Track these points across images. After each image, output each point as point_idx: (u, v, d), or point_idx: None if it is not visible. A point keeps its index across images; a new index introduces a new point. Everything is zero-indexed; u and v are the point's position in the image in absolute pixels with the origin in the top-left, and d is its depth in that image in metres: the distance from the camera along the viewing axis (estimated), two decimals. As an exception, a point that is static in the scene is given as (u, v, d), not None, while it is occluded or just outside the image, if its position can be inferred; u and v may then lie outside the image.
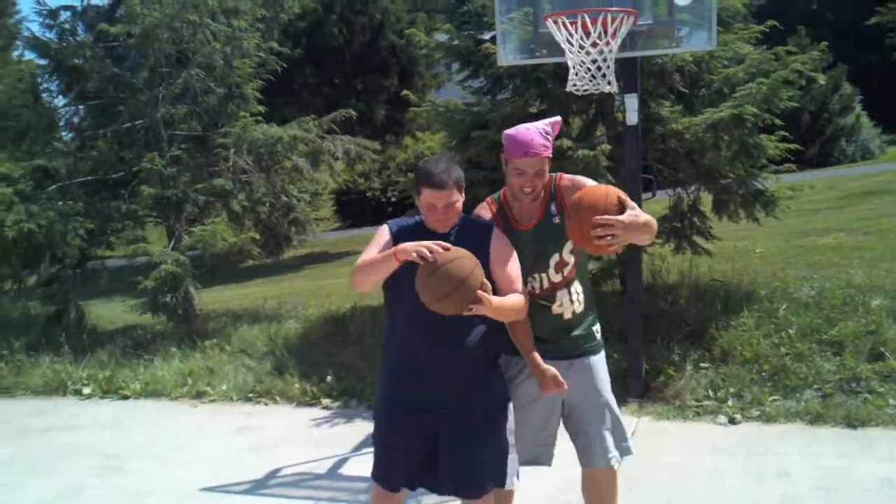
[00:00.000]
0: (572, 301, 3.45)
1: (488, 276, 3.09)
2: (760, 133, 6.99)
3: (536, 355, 3.32)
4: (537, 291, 3.41)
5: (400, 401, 3.34)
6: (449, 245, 3.00)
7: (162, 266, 8.57)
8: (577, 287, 3.47)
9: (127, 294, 9.60)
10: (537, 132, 3.25)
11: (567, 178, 3.43)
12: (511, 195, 3.39)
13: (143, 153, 9.28)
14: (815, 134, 23.06)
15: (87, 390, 7.75)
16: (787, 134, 7.20)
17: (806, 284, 7.26)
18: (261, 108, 10.39)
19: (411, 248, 2.98)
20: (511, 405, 3.44)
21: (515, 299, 3.20)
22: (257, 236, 9.18)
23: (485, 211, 3.42)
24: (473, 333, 3.26)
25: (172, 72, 9.76)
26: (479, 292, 2.93)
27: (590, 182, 3.40)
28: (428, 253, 2.93)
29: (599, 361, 3.56)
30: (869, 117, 25.67)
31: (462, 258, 2.97)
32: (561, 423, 3.59)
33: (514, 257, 3.28)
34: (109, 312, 10.96)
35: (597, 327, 3.59)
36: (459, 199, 3.24)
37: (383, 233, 3.33)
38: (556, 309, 3.43)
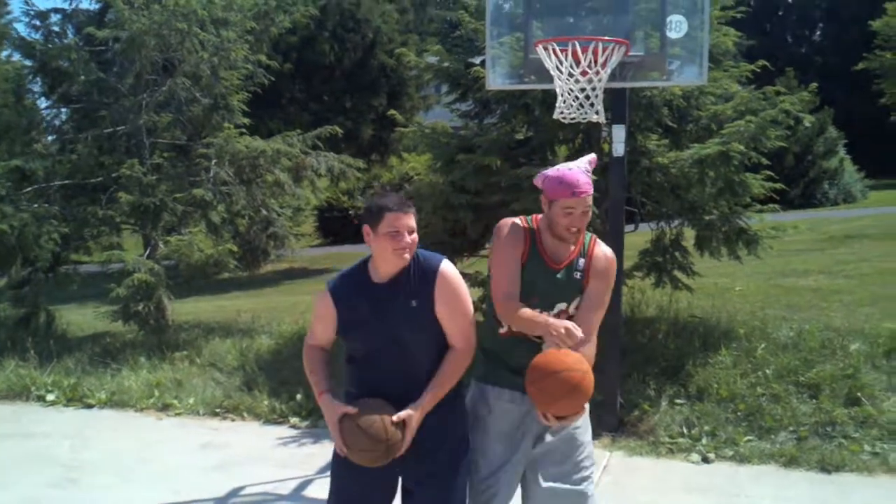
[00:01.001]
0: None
1: (434, 317, 3.08)
2: (746, 171, 6.98)
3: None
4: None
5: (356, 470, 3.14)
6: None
7: (135, 274, 8.44)
8: None
9: (99, 301, 9.45)
10: (581, 171, 3.21)
11: (603, 247, 3.38)
12: (544, 229, 3.31)
13: (124, 159, 9.16)
14: (798, 175, 23.23)
15: (50, 397, 7.58)
16: (772, 174, 7.19)
17: (785, 325, 7.22)
18: (246, 120, 10.31)
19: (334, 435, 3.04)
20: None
21: (449, 369, 3.11)
22: (235, 248, 9.06)
23: (512, 219, 3.35)
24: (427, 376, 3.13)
25: (158, 79, 9.68)
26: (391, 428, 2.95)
27: (609, 252, 3.37)
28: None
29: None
30: (852, 161, 25.93)
31: (374, 425, 2.96)
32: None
33: (466, 301, 3.15)
34: (80, 318, 10.80)
35: None
36: (416, 230, 3.11)
37: (322, 306, 3.19)
38: (544, 348, 3.32)
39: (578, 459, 3.31)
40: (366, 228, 3.08)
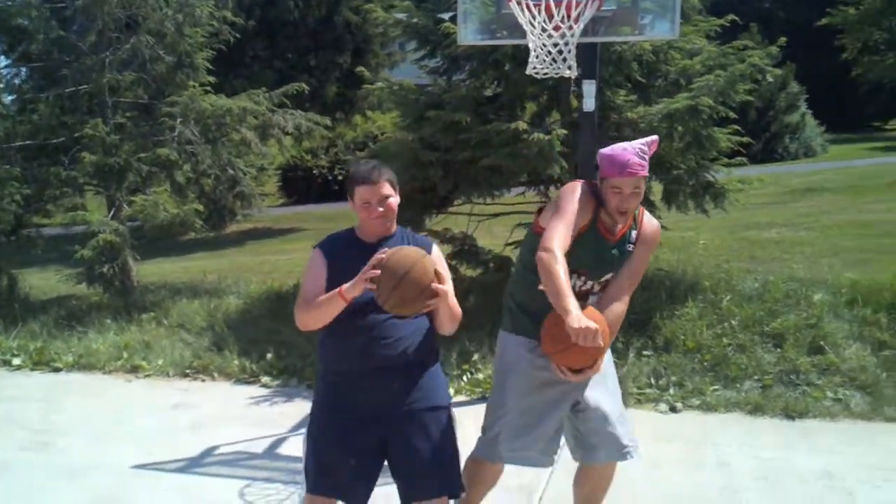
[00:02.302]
0: (592, 303, 3.39)
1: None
2: (714, 126, 7.01)
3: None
4: (575, 290, 3.20)
5: (341, 414, 3.20)
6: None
7: (100, 235, 8.31)
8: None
9: (61, 264, 9.31)
10: (634, 152, 3.21)
11: (650, 217, 3.49)
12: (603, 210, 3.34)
13: (87, 119, 8.97)
14: (760, 130, 23.42)
15: (16, 361, 7.48)
16: (738, 128, 7.23)
17: (749, 277, 7.32)
18: (211, 78, 10.11)
19: (359, 283, 2.98)
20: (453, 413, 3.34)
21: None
22: (201, 208, 8.95)
23: (588, 183, 3.36)
24: (413, 336, 3.17)
25: (121, 37, 9.45)
26: (435, 284, 2.94)
27: (656, 222, 3.49)
28: (376, 273, 2.93)
29: (608, 354, 3.53)
30: (813, 116, 26.17)
31: (403, 250, 2.98)
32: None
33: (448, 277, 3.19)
34: (42, 282, 10.65)
35: None
36: (393, 197, 3.21)
37: (316, 261, 3.24)
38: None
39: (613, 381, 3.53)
40: (349, 198, 3.24)
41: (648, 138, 3.29)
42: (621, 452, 3.45)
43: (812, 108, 26.38)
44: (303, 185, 22.15)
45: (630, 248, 3.38)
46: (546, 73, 5.15)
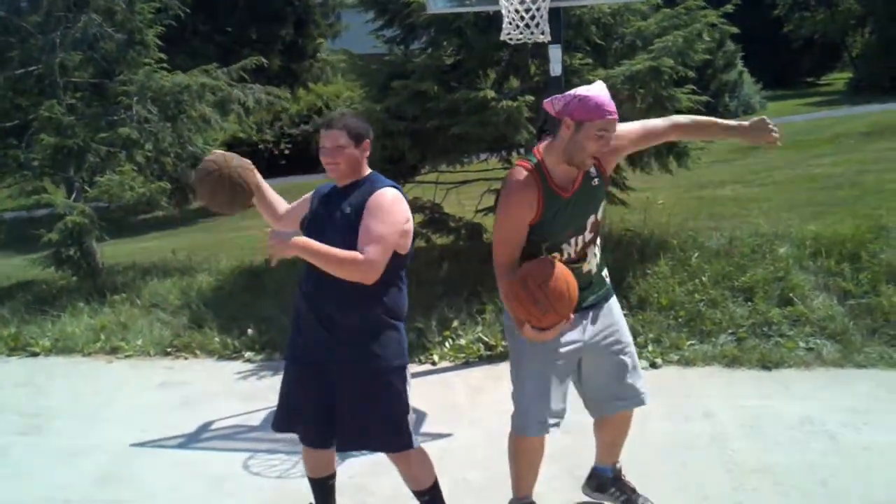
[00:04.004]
0: (595, 255, 3.45)
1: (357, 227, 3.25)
2: (674, 87, 7.17)
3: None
4: (572, 255, 3.33)
5: (297, 353, 3.45)
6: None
7: (67, 218, 8.21)
8: (598, 240, 3.47)
9: (19, 248, 9.16)
10: (607, 93, 3.16)
11: None
12: (552, 159, 3.25)
13: (40, 101, 8.81)
14: (700, 89, 23.68)
15: (-8, 348, 7.43)
16: (695, 88, 7.40)
17: (716, 234, 7.51)
18: (161, 55, 9.97)
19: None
20: (408, 370, 3.44)
21: (348, 253, 3.17)
22: (168, 186, 8.87)
23: (520, 173, 3.24)
24: (356, 290, 3.24)
25: (69, 16, 9.25)
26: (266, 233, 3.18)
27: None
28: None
29: (616, 303, 3.62)
30: (750, 74, 26.62)
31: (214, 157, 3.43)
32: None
33: (385, 221, 3.22)
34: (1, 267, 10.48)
35: (606, 271, 3.60)
36: (349, 147, 3.28)
37: (303, 199, 3.60)
38: (584, 268, 3.41)
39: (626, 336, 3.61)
40: None
41: (599, 82, 3.23)
42: (637, 397, 3.59)
43: (748, 65, 26.81)
44: (249, 160, 21.72)
45: (597, 183, 3.33)
46: (520, 39, 5.25)
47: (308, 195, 3.55)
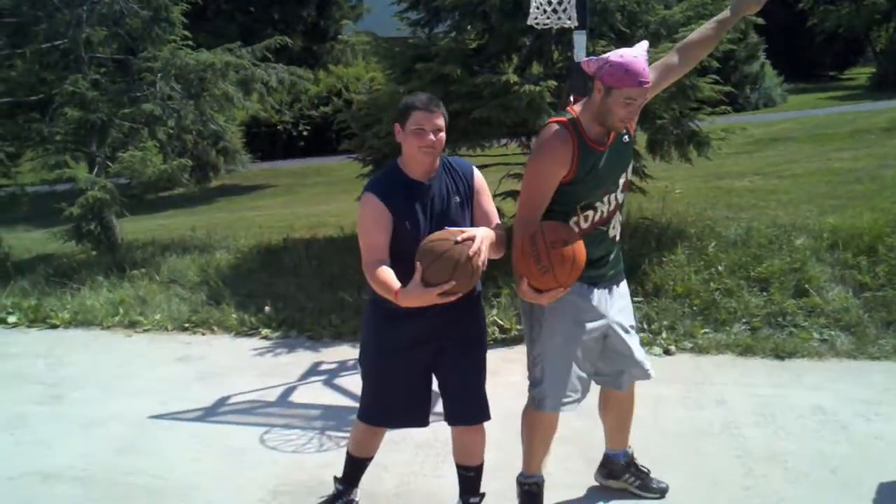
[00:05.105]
0: (619, 221, 3.47)
1: (471, 213, 3.27)
2: (698, 75, 7.16)
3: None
4: (605, 216, 3.33)
5: (400, 338, 3.35)
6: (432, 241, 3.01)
7: (88, 192, 8.29)
8: (621, 208, 3.48)
9: (40, 222, 9.26)
10: (644, 59, 3.10)
11: None
12: (587, 118, 3.24)
13: (64, 75, 8.87)
14: (722, 80, 23.55)
15: (12, 319, 7.53)
16: (717, 77, 7.39)
17: (733, 224, 7.52)
18: (186, 32, 10.02)
19: (418, 296, 2.94)
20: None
21: (495, 231, 3.21)
22: (189, 163, 8.92)
23: (556, 128, 3.21)
24: None
25: (96, -9, 9.32)
26: (473, 254, 2.95)
27: None
28: (448, 285, 2.91)
29: (626, 283, 3.69)
30: (772, 66, 26.44)
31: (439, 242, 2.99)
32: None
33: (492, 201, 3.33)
34: (15, 241, 10.57)
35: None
36: (443, 132, 3.17)
37: (375, 207, 3.17)
38: (611, 232, 3.43)
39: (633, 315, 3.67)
40: (396, 127, 3.21)
41: (641, 44, 3.19)
42: (645, 372, 3.66)
43: (770, 58, 26.63)
44: (267, 141, 21.95)
45: (627, 140, 3.34)
46: (546, 24, 5.25)
47: (376, 207, 3.18)
